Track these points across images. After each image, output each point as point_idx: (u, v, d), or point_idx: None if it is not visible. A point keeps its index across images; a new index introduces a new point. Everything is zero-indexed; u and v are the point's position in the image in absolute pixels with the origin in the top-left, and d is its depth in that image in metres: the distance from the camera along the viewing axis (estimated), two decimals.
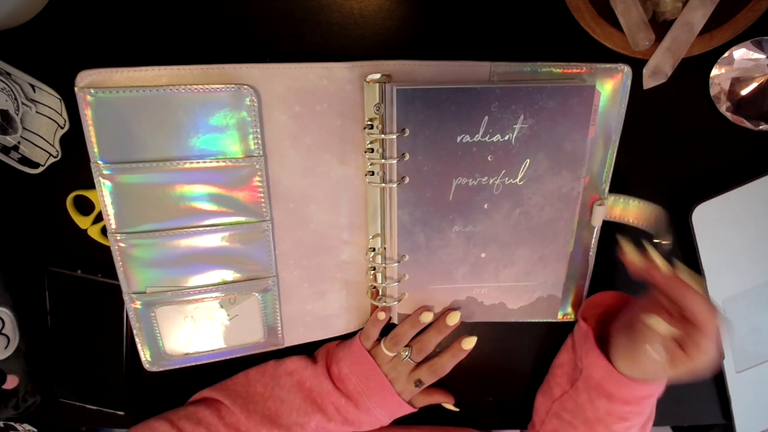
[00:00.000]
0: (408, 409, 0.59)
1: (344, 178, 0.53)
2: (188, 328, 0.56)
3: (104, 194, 0.49)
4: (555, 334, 0.63)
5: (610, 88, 0.51)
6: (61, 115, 0.52)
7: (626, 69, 0.50)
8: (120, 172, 0.48)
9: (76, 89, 0.45)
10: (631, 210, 0.55)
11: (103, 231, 0.56)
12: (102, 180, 0.48)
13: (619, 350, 0.51)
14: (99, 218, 0.55)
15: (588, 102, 0.48)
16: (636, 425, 0.54)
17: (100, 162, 0.48)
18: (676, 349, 0.45)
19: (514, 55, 0.51)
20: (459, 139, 0.49)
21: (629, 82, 0.51)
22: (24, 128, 0.51)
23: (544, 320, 0.60)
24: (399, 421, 0.61)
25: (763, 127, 0.53)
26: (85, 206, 0.56)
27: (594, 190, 0.54)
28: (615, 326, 0.52)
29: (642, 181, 0.56)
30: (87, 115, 0.46)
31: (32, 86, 0.50)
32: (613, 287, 0.58)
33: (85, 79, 0.46)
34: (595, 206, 0.55)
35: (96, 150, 0.47)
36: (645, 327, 0.46)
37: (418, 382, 0.58)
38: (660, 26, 0.48)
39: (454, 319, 0.57)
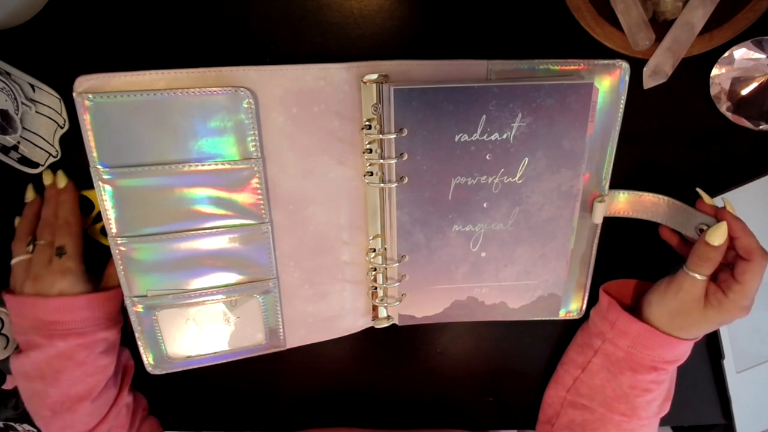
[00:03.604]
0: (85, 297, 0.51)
1: (343, 178, 0.53)
2: (190, 331, 0.56)
3: (104, 198, 0.49)
4: (556, 333, 0.63)
5: (608, 84, 0.51)
6: (60, 115, 0.52)
7: (624, 65, 0.50)
8: (120, 177, 0.48)
9: (74, 94, 0.45)
10: (633, 204, 0.55)
11: (103, 231, 0.56)
12: (102, 184, 0.48)
13: (653, 301, 0.52)
14: (99, 218, 0.55)
15: (586, 99, 0.48)
16: (657, 399, 0.55)
17: (99, 166, 0.48)
18: (717, 291, 0.48)
19: (515, 56, 0.51)
20: (457, 138, 0.49)
21: (627, 78, 0.51)
22: (24, 128, 0.51)
23: (546, 319, 0.60)
24: (394, 425, 0.61)
25: (763, 127, 0.53)
26: (85, 206, 0.56)
27: (594, 187, 0.54)
28: (646, 295, 0.54)
29: (642, 181, 0.56)
30: (86, 120, 0.46)
31: (32, 86, 0.50)
32: None
33: (83, 84, 0.46)
34: (595, 203, 0.55)
35: (95, 154, 0.47)
36: (686, 274, 0.49)
37: (59, 250, 0.51)
38: (660, 26, 0.48)
39: (60, 181, 0.52)
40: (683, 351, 0.53)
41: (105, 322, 0.53)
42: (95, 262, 0.56)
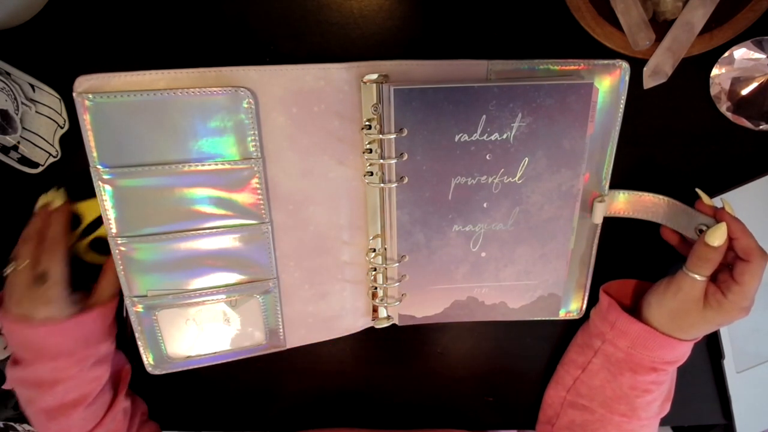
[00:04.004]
0: (68, 322, 0.50)
1: (343, 178, 0.53)
2: (190, 331, 0.56)
3: (104, 198, 0.49)
4: (556, 333, 0.63)
5: (609, 84, 0.51)
6: (60, 114, 0.52)
7: (624, 65, 0.50)
8: (120, 177, 0.48)
9: (74, 94, 0.45)
10: (633, 204, 0.55)
11: (91, 247, 0.54)
12: (102, 184, 0.48)
13: (653, 301, 0.52)
14: (85, 233, 0.54)
15: (586, 99, 0.48)
16: (657, 399, 0.55)
17: (99, 166, 0.48)
18: (716, 292, 0.48)
19: (515, 56, 0.51)
20: (457, 138, 0.49)
21: (627, 78, 0.51)
22: (24, 128, 0.51)
23: (546, 319, 0.60)
24: (394, 425, 0.61)
25: (763, 127, 0.53)
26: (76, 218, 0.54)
27: (594, 187, 0.54)
28: (646, 296, 0.54)
29: (642, 181, 0.56)
30: (86, 120, 0.46)
31: (32, 86, 0.50)
32: None
33: (83, 84, 0.46)
34: (595, 203, 0.55)
35: (95, 154, 0.47)
36: (685, 275, 0.49)
37: (42, 278, 0.49)
38: (660, 26, 0.48)
39: (57, 200, 0.52)
40: (683, 352, 0.53)
41: (96, 337, 0.52)
42: (82, 274, 0.55)
